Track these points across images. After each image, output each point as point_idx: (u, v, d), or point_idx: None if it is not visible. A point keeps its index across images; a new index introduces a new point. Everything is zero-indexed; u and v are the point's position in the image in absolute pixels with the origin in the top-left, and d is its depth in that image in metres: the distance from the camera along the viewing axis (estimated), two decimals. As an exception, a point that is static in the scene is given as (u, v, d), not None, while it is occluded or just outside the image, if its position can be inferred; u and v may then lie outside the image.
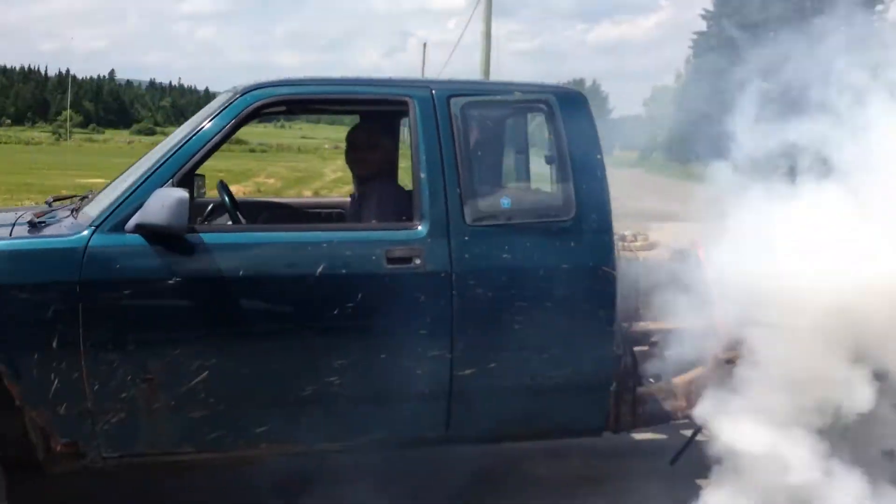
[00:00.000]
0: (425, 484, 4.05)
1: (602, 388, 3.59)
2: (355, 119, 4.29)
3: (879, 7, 35.87)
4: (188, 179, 3.38)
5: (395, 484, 3.94)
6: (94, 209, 3.41)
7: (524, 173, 4.10)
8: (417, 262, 3.33)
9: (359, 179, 3.98)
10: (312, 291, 3.25)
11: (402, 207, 3.64)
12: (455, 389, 3.40)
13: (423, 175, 3.40)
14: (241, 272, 3.20)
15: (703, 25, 46.20)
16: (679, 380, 3.97)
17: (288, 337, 3.27)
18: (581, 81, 77.68)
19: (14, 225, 3.40)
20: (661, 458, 4.32)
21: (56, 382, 3.08)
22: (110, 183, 3.80)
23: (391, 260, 3.31)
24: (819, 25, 3.70)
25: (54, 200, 3.98)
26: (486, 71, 22.19)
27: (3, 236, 3.22)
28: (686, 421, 3.99)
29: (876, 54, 3.78)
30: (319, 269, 3.24)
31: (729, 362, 3.88)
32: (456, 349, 3.37)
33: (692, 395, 3.92)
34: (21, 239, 3.18)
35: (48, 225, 3.33)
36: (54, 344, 3.06)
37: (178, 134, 3.53)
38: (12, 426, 3.23)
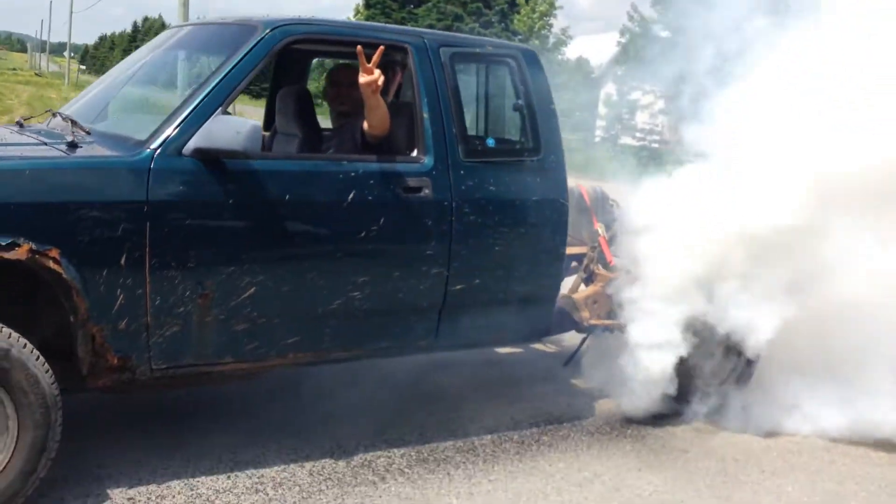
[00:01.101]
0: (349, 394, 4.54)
1: (551, 301, 4.34)
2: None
3: None
4: None
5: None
6: (122, 129, 3.51)
7: (496, 118, 4.67)
8: (427, 191, 3.82)
9: (338, 114, 4.30)
10: (344, 216, 3.62)
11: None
12: (447, 303, 3.95)
13: (425, 115, 3.87)
14: (287, 196, 3.49)
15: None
16: (578, 295, 4.82)
17: (322, 256, 3.61)
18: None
19: (47, 144, 3.37)
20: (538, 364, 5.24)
21: (121, 298, 3.20)
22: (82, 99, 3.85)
23: (406, 189, 3.77)
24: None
25: (25, 120, 3.88)
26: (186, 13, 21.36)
27: (58, 156, 3.22)
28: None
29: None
30: (350, 196, 3.62)
31: (613, 281, 4.80)
32: (452, 268, 3.91)
33: (590, 307, 4.80)
34: (89, 157, 3.21)
35: (83, 145, 3.35)
36: (122, 261, 3.17)
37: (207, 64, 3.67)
38: (56, 342, 3.28)
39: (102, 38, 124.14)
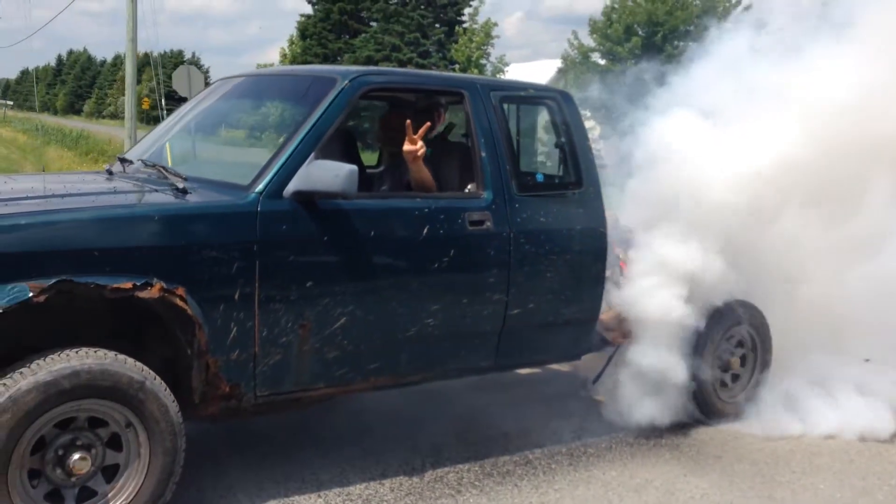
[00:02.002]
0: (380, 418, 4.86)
1: (593, 321, 4.70)
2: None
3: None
4: None
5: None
6: (214, 174, 3.78)
7: (535, 154, 5.04)
8: (488, 224, 4.16)
9: (389, 155, 4.62)
10: (420, 249, 3.94)
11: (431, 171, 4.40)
12: (506, 326, 4.29)
13: (483, 154, 4.23)
14: (372, 233, 3.80)
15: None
16: (606, 315, 5.19)
17: (403, 287, 3.92)
18: (180, 53, 75.94)
19: (158, 191, 3.63)
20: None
21: (234, 331, 3.46)
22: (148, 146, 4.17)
23: (471, 223, 4.11)
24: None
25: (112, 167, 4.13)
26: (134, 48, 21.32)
27: (179, 202, 3.48)
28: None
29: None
30: (425, 231, 3.94)
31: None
32: (510, 294, 4.25)
33: (618, 326, 5.18)
34: (207, 203, 3.48)
35: (191, 191, 3.61)
36: (236, 296, 3.44)
37: (291, 113, 3.97)
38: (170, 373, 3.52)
39: (24, 73, 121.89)
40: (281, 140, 3.78)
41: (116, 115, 72.02)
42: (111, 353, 3.18)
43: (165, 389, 3.30)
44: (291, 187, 3.60)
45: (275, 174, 3.62)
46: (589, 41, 29.39)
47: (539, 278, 4.36)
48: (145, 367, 3.25)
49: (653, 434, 4.91)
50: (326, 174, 3.57)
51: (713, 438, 4.93)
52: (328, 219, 3.69)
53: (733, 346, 5.27)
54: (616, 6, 28.15)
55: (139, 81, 49.91)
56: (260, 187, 3.57)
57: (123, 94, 29.14)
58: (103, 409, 3.20)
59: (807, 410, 5.08)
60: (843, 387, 5.10)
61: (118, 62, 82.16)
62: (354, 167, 3.62)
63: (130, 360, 3.22)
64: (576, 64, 29.10)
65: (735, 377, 5.29)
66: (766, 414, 5.10)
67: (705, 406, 5.08)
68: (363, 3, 46.15)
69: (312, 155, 3.70)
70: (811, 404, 5.11)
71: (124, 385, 3.16)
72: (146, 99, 45.30)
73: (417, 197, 4.06)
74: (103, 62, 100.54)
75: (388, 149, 4.67)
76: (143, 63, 58.08)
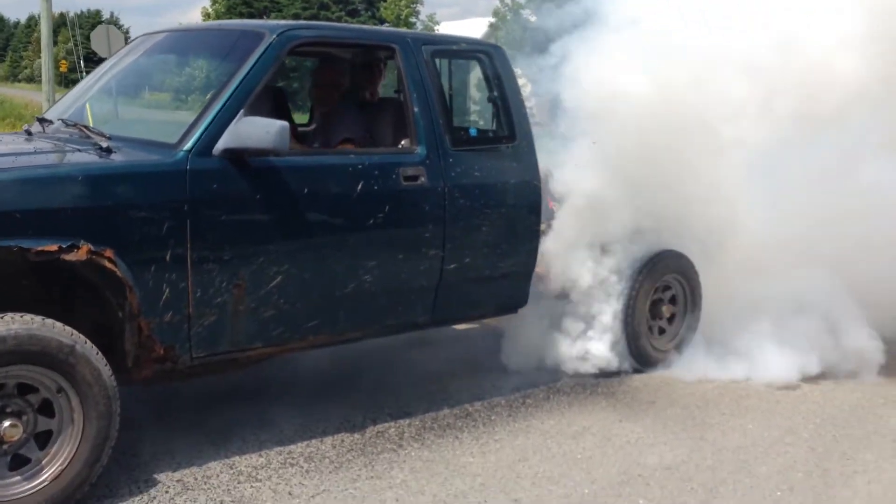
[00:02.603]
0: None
1: (529, 274, 4.73)
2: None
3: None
4: None
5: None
6: (140, 133, 3.68)
7: (468, 108, 5.00)
8: (422, 179, 4.14)
9: (321, 112, 4.55)
10: (355, 205, 3.90)
11: (364, 127, 4.37)
12: (442, 281, 4.29)
13: (416, 109, 4.19)
14: (305, 190, 3.75)
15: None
16: (541, 268, 5.24)
17: (338, 244, 3.88)
18: (98, 13, 73.36)
19: (81, 151, 3.51)
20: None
21: (167, 292, 3.40)
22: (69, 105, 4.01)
23: (405, 178, 4.08)
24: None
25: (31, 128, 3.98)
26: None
27: (105, 161, 3.37)
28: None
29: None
30: (359, 187, 3.91)
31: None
32: (446, 249, 4.25)
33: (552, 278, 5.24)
34: (134, 162, 3.38)
35: (116, 151, 3.50)
36: (167, 257, 3.37)
37: (221, 70, 3.87)
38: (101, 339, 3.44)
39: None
40: (208, 96, 3.69)
41: (33, 79, 69.66)
42: (38, 318, 3.09)
43: (97, 353, 3.22)
44: (221, 145, 3.52)
45: (203, 131, 3.53)
46: (520, -1, 29.35)
47: (474, 232, 4.37)
48: (75, 332, 3.17)
49: (589, 383, 4.99)
50: (257, 130, 3.50)
51: (646, 385, 5.04)
52: (260, 176, 3.62)
53: (663, 294, 5.37)
54: (545, -39, 28.09)
55: (56, 43, 48.47)
56: (188, 145, 3.49)
57: (39, 57, 28.21)
58: (32, 374, 3.11)
59: (735, 356, 5.22)
60: (768, 332, 5.22)
61: (32, 23, 79.29)
62: (286, 123, 3.55)
63: (59, 325, 3.13)
64: (507, 20, 29.01)
65: (669, 322, 5.39)
66: (696, 360, 5.23)
67: (639, 354, 5.18)
68: (288, -41, 45.25)
69: (242, 111, 3.62)
70: (739, 350, 5.25)
71: (53, 350, 3.08)
72: (63, 61, 43.91)
73: (351, 153, 4.02)
74: (17, 24, 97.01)
75: (319, 105, 4.60)
76: (60, 24, 56.11)
